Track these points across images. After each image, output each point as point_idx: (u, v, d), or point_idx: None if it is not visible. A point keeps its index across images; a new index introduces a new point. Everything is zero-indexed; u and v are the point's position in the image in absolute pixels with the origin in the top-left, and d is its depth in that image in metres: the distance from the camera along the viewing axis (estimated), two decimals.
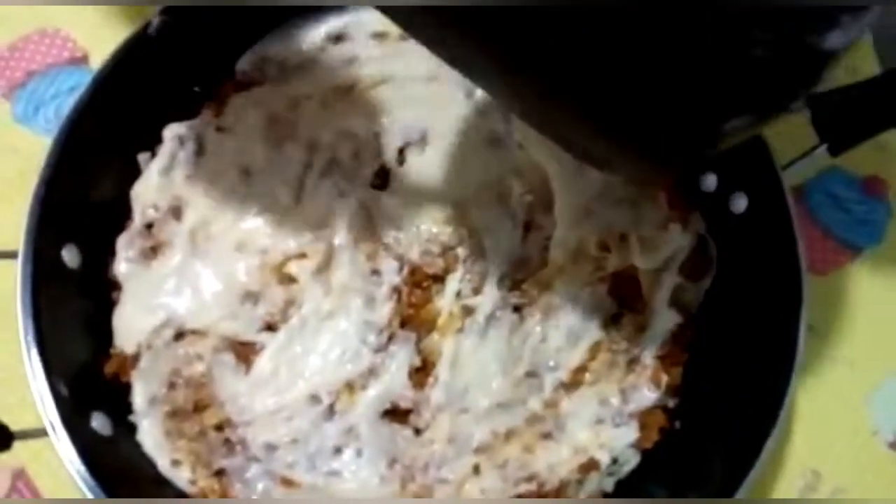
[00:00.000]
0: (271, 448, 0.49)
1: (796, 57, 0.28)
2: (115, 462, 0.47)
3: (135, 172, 0.54)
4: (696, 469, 0.50)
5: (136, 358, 0.50)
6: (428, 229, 0.52)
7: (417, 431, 0.50)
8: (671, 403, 0.52)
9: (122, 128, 0.52)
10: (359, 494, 0.49)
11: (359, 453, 0.49)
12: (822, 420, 0.55)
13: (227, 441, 0.49)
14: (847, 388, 0.56)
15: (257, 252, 0.51)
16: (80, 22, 0.61)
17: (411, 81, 0.55)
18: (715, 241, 0.54)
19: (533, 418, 0.50)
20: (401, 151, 0.54)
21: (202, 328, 0.50)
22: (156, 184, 0.53)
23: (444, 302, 0.51)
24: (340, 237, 0.51)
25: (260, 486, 0.49)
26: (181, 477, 0.49)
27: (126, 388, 0.50)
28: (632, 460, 0.51)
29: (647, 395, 0.51)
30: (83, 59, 0.61)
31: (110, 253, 0.52)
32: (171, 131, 0.54)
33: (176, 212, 0.53)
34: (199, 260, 0.51)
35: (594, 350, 0.51)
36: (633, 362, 0.52)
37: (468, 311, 0.50)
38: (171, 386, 0.50)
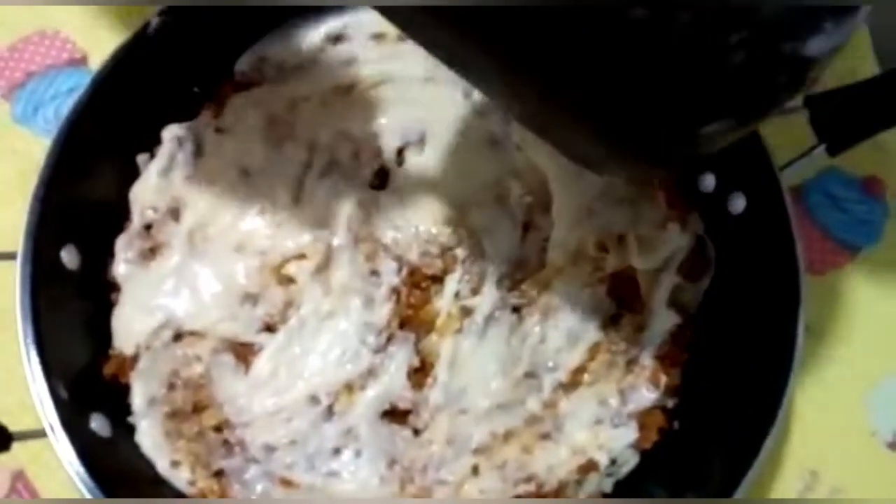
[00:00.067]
0: (270, 449, 0.49)
1: (777, 63, 0.27)
2: (114, 463, 0.47)
3: (134, 173, 0.54)
4: (694, 469, 0.50)
5: (135, 359, 0.50)
6: (427, 230, 0.52)
7: (416, 432, 0.50)
8: (670, 404, 0.52)
9: (121, 129, 0.52)
10: (358, 495, 0.49)
11: (358, 454, 0.49)
12: (821, 420, 0.55)
13: (226, 442, 0.49)
14: (845, 388, 0.56)
15: (256, 253, 0.51)
16: (80, 23, 0.61)
17: (410, 82, 0.55)
18: (713, 242, 0.54)
19: (532, 419, 0.50)
20: (400, 152, 0.54)
21: (201, 329, 0.50)
22: (154, 185, 0.53)
23: (443, 303, 0.51)
24: (339, 238, 0.51)
25: (259, 487, 0.49)
26: (180, 478, 0.49)
27: (125, 390, 0.50)
28: (631, 461, 0.51)
29: (646, 396, 0.52)
30: (82, 61, 0.61)
31: (109, 254, 0.52)
32: (170, 132, 0.54)
33: (175, 213, 0.53)
34: (198, 261, 0.51)
35: (593, 351, 0.51)
36: (631, 363, 0.52)
37: (467, 311, 0.50)
38: (170, 387, 0.50)
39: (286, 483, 0.49)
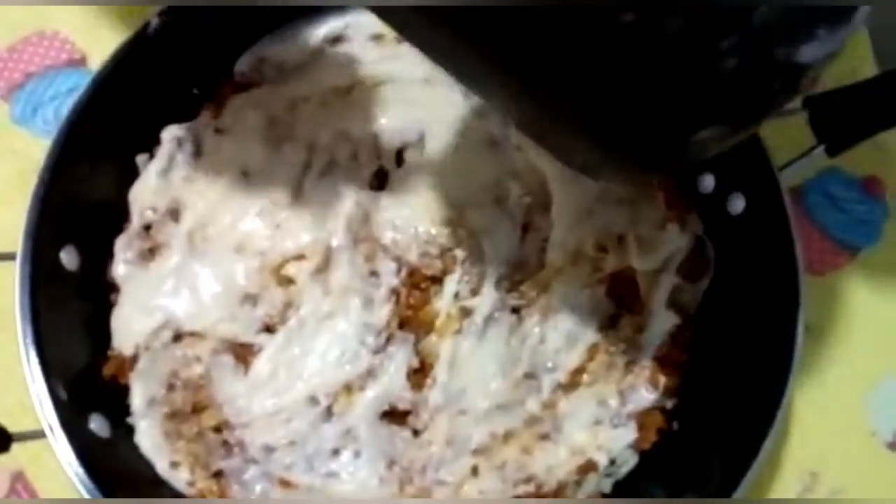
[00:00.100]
0: (269, 449, 0.49)
1: (770, 69, 0.27)
2: (113, 464, 0.47)
3: (133, 174, 0.54)
4: (694, 470, 0.50)
5: (134, 360, 0.50)
6: (426, 230, 0.52)
7: (416, 433, 0.50)
8: (669, 404, 0.52)
9: (120, 129, 0.52)
10: (357, 496, 0.49)
11: (357, 455, 0.49)
12: (821, 420, 0.55)
13: (226, 443, 0.49)
14: (845, 389, 0.56)
15: (256, 253, 0.51)
16: (79, 24, 0.61)
17: (409, 83, 0.55)
18: (713, 242, 0.54)
19: (531, 419, 0.50)
20: (399, 153, 0.54)
21: (200, 330, 0.50)
22: (154, 185, 0.53)
23: (443, 303, 0.51)
24: (339, 238, 0.51)
25: (258, 488, 0.49)
26: (179, 478, 0.49)
27: (124, 390, 0.50)
28: (630, 461, 0.51)
29: (645, 396, 0.52)
30: (81, 61, 0.61)
31: (109, 255, 0.52)
32: (170, 133, 0.54)
33: (174, 213, 0.53)
34: (198, 261, 0.51)
35: (592, 351, 0.51)
36: (631, 363, 0.52)
37: (466, 312, 0.50)
38: (170, 387, 0.50)
39: (285, 484, 0.49)
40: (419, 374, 0.50)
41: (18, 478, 0.52)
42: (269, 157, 0.53)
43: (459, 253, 0.51)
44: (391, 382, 0.49)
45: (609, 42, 0.27)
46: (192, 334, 0.50)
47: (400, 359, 0.50)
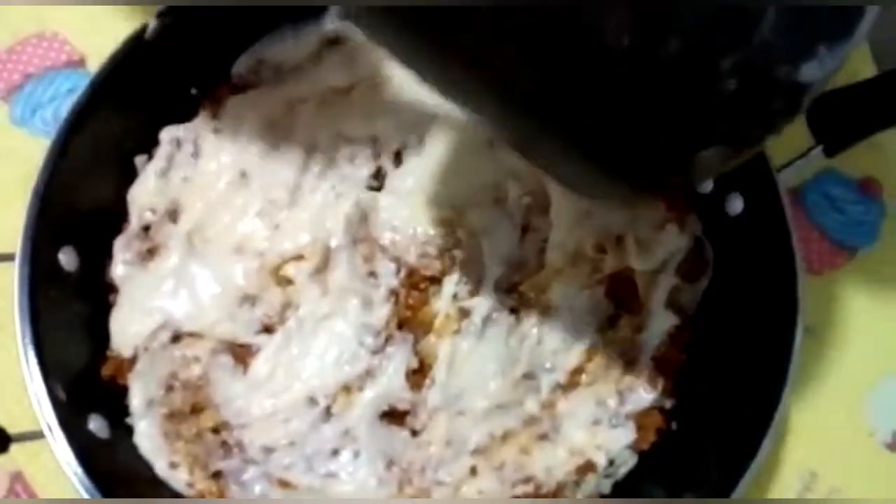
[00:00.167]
0: (268, 450, 0.49)
1: (771, 89, 0.27)
2: (112, 464, 0.47)
3: (132, 175, 0.54)
4: (692, 470, 0.50)
5: (133, 360, 0.50)
6: (425, 231, 0.52)
7: (414, 433, 0.50)
8: (668, 404, 0.52)
9: (119, 130, 0.52)
10: (356, 496, 0.49)
11: (356, 455, 0.49)
12: (819, 420, 0.55)
13: (225, 443, 0.49)
14: (844, 389, 0.56)
15: (254, 254, 0.51)
16: (78, 25, 0.61)
17: (408, 83, 0.55)
18: (711, 243, 0.54)
19: (530, 420, 0.50)
20: (397, 153, 0.54)
21: (199, 330, 0.50)
22: (152, 186, 0.53)
23: (441, 304, 0.51)
24: (337, 239, 0.51)
25: (257, 488, 0.49)
26: (178, 479, 0.49)
27: (123, 391, 0.50)
28: (628, 461, 0.51)
29: (644, 397, 0.52)
30: (80, 62, 0.61)
31: (107, 255, 0.52)
32: (168, 134, 0.54)
33: (173, 214, 0.53)
34: (197, 262, 0.51)
35: (591, 352, 0.51)
36: (629, 364, 0.52)
37: (465, 313, 0.50)
38: (169, 388, 0.50)
39: (284, 484, 0.49)
40: (418, 374, 0.50)
41: (17, 478, 0.52)
42: (267, 157, 0.53)
43: (458, 253, 0.51)
44: (390, 383, 0.49)
45: (607, 64, 0.26)
46: (191, 335, 0.50)
47: (399, 359, 0.50)
